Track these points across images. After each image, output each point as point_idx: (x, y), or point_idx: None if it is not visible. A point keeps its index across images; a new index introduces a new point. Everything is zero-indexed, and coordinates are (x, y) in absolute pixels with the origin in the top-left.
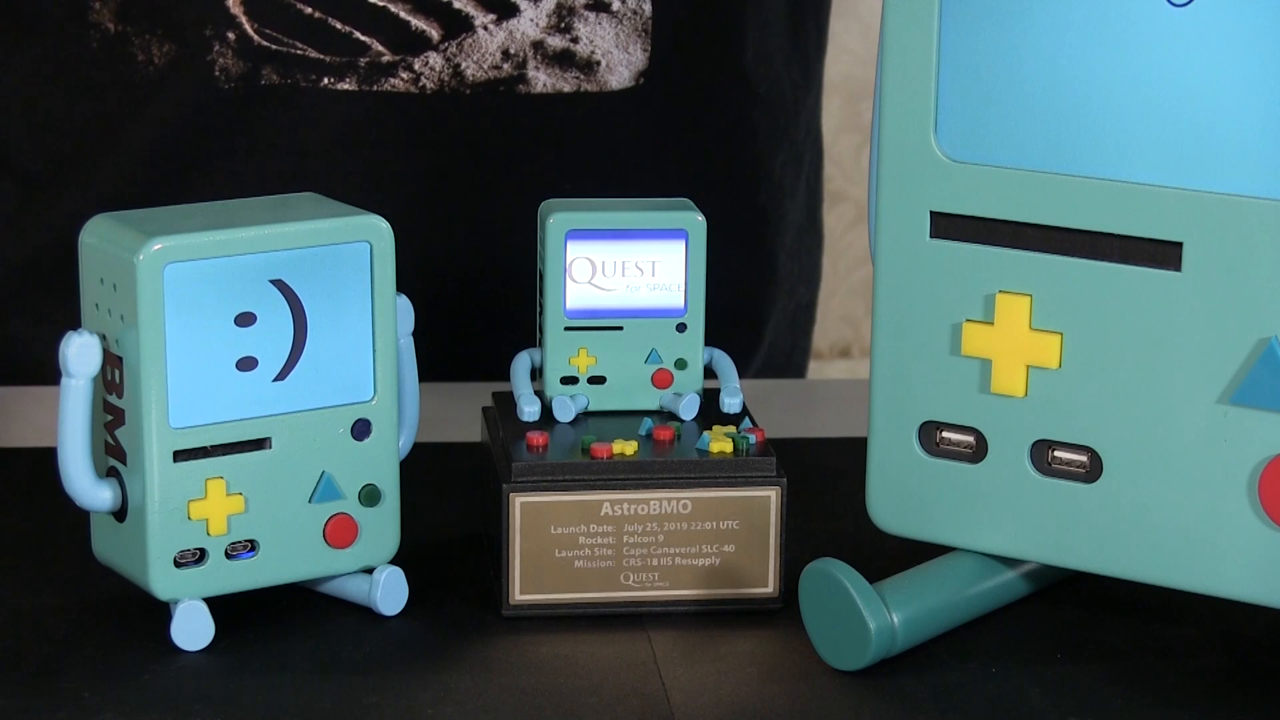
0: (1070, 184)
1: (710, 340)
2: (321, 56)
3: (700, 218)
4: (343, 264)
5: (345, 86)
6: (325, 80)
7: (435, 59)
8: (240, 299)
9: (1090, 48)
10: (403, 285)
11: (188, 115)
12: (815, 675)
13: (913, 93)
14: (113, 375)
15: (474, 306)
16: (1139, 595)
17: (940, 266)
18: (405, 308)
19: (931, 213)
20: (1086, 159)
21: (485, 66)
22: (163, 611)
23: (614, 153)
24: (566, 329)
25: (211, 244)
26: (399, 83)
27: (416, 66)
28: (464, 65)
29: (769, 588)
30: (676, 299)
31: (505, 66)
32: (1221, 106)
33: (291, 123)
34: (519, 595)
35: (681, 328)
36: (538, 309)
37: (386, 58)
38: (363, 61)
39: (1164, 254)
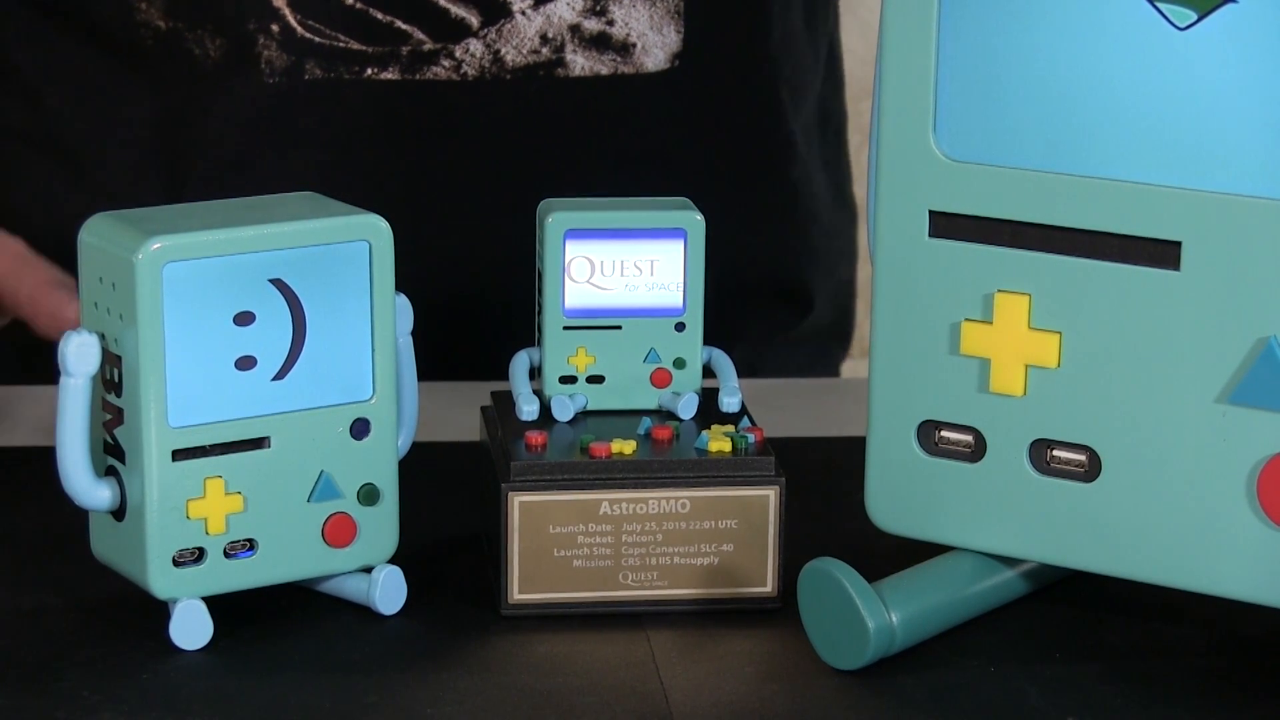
0: (1069, 183)
1: (751, 320)
2: (364, 48)
3: (699, 217)
4: (341, 263)
5: (388, 76)
6: (369, 71)
7: (476, 45)
8: (239, 298)
9: (1089, 47)
10: (402, 284)
11: (239, 111)
12: (814, 675)
13: (911, 92)
14: (112, 374)
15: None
16: (1138, 595)
17: (939, 266)
18: (404, 307)
19: (930, 212)
20: (1086, 158)
21: (524, 51)
22: (161, 611)
23: (651, 134)
24: (565, 328)
25: (210, 243)
26: (441, 71)
27: (458, 54)
28: (504, 51)
29: (767, 587)
30: (675, 298)
31: (544, 51)
32: (1220, 106)
33: (336, 114)
34: (518, 594)
35: (680, 327)
36: (536, 308)
37: (428, 46)
38: (404, 50)
39: (1163, 253)
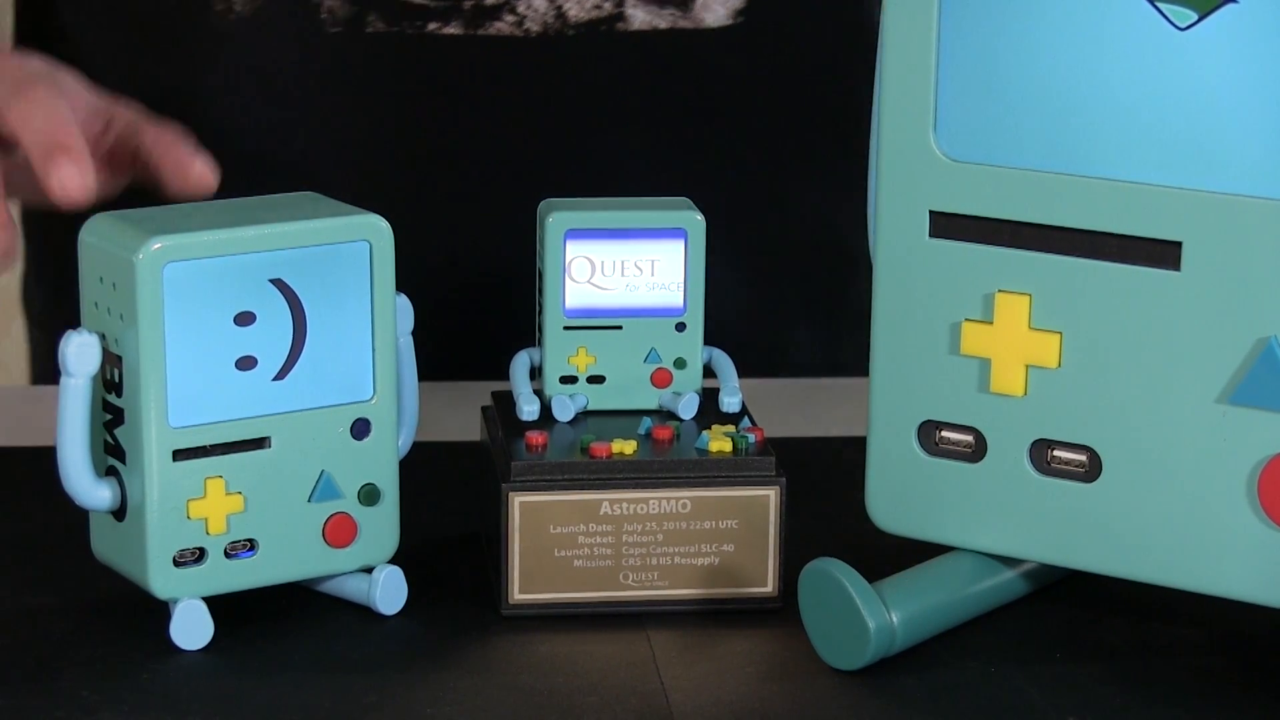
0: (1070, 183)
1: (804, 281)
2: (426, 2)
3: (699, 217)
4: (342, 263)
5: (451, 31)
6: (431, 25)
7: (539, 0)
8: (240, 298)
9: (1089, 47)
10: (402, 284)
11: (293, 60)
12: (814, 675)
13: (912, 92)
14: (112, 374)
15: (473, 306)
16: (1139, 595)
17: (939, 266)
18: (404, 307)
19: (931, 212)
20: (1086, 158)
21: (586, 6)
22: (162, 611)
23: (708, 92)
24: (566, 328)
25: (211, 243)
26: (504, 26)
27: (520, 9)
28: (566, 6)
29: (768, 587)
30: (676, 298)
31: (605, 5)
32: (1220, 106)
33: (397, 67)
34: (518, 595)
35: (681, 327)
36: (537, 308)
37: (490, 0)
38: (467, 5)
39: (1163, 253)
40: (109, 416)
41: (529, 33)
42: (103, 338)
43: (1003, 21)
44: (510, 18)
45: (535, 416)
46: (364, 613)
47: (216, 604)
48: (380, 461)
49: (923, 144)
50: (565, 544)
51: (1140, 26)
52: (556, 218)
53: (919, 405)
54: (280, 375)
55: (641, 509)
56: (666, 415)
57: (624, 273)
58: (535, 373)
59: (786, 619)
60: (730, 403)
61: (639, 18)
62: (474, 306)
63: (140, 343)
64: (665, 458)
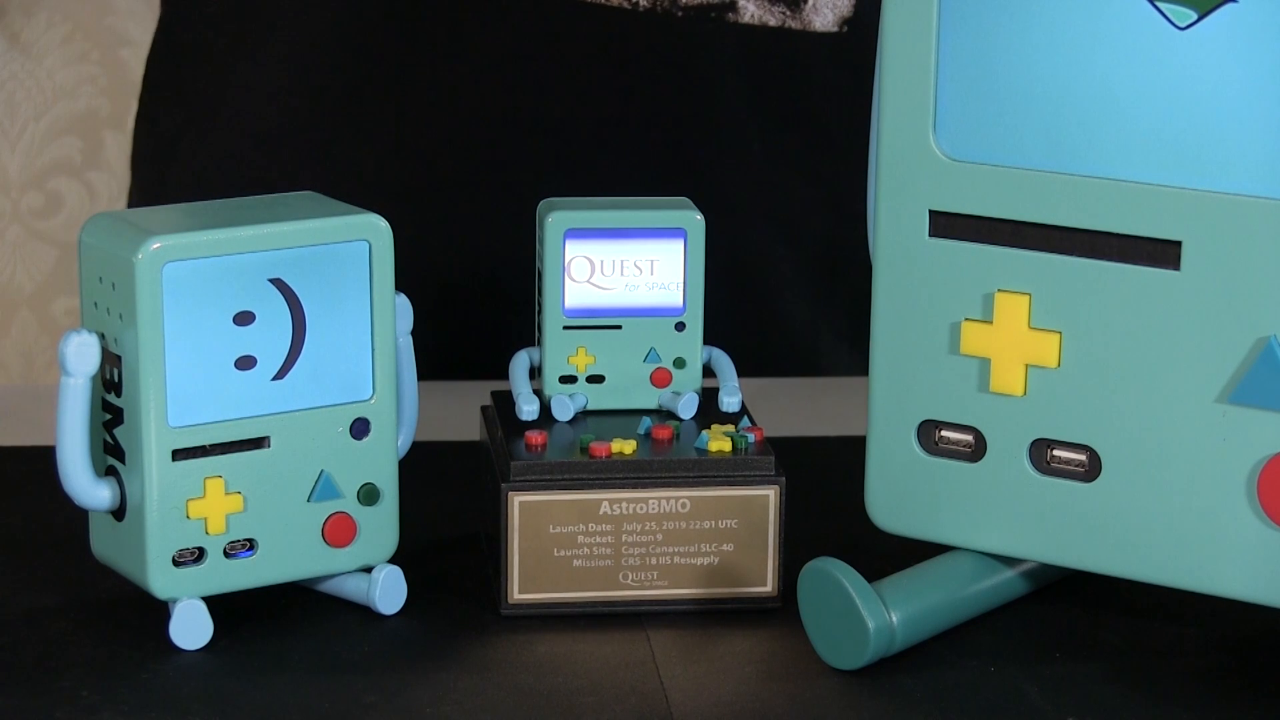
0: (1069, 183)
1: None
2: None
3: (699, 217)
4: (341, 263)
5: None
6: None
7: None
8: (239, 298)
9: (1089, 47)
10: (403, 284)
11: (392, 14)
12: (814, 674)
13: (912, 92)
14: (112, 374)
15: (473, 306)
16: (1138, 595)
17: (939, 265)
18: (404, 306)
19: (930, 211)
20: (1086, 158)
21: None
22: (161, 610)
23: (809, 96)
24: (565, 328)
25: (210, 243)
26: None
27: None
28: None
29: (768, 587)
30: (675, 298)
31: None
32: (1220, 106)
33: (498, 30)
34: (518, 594)
35: (680, 326)
36: (536, 308)
37: None
38: None
39: (1163, 253)
40: (108, 416)
41: (638, 6)
42: (102, 337)
43: (1002, 21)
44: None
45: (535, 416)
46: (364, 613)
47: (216, 604)
48: (379, 461)
49: (923, 144)
50: (565, 544)
51: (1140, 26)
52: (556, 217)
53: (919, 405)
54: (279, 375)
55: (641, 509)
56: (666, 415)
57: (623, 272)
58: (535, 372)
59: (786, 619)
60: (730, 402)
61: (750, 10)
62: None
63: (140, 342)
64: (665, 457)
